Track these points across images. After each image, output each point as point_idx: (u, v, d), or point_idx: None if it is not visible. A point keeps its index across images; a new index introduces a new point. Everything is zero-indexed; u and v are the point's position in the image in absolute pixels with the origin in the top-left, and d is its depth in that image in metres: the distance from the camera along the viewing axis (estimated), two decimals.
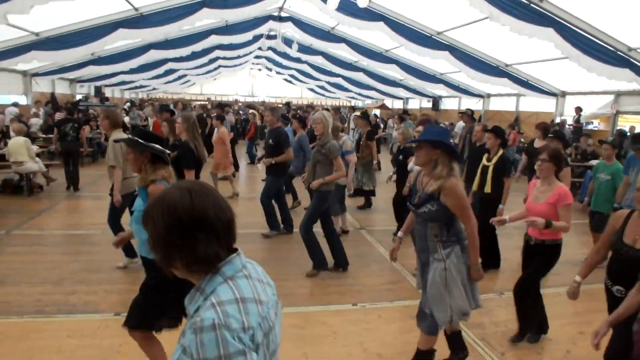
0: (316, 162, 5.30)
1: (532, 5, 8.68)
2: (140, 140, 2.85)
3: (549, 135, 6.31)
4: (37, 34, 10.96)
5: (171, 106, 13.17)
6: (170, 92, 31.74)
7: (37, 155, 9.27)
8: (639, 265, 2.59)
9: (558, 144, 5.66)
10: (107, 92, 22.59)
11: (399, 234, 3.52)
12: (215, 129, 9.59)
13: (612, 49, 9.45)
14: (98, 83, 20.29)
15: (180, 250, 1.27)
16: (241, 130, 19.76)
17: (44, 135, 11.85)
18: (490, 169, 5.57)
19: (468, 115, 9.48)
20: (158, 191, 1.80)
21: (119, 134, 5.11)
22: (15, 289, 4.67)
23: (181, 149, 5.01)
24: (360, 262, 5.84)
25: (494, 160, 5.56)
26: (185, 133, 5.20)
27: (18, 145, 8.16)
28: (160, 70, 18.90)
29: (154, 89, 27.73)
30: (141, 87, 25.33)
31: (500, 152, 5.61)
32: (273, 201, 6.89)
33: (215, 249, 1.28)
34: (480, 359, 3.66)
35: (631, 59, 9.66)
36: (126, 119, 15.37)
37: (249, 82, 35.00)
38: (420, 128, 5.41)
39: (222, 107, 12.63)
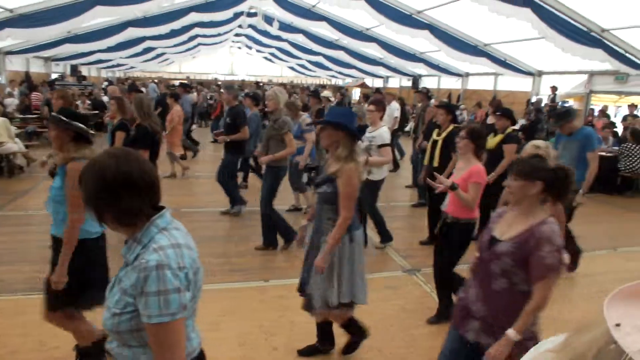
0: (269, 138, 5.39)
1: None
2: (62, 118, 2.82)
3: (496, 112, 6.29)
4: (11, 11, 10.70)
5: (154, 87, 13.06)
6: (148, 70, 31.17)
7: (16, 135, 9.18)
8: None
9: (506, 122, 5.72)
10: (84, 71, 22.10)
11: (303, 222, 3.48)
12: None
13: (586, 29, 9.72)
14: (74, 62, 19.86)
15: (108, 205, 1.50)
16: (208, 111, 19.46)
17: (20, 116, 11.66)
18: (439, 143, 5.80)
19: (423, 94, 9.69)
20: (78, 169, 1.93)
21: None
22: (7, 267, 4.75)
23: (136, 131, 5.27)
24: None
25: (443, 135, 5.80)
26: (138, 115, 5.30)
27: None
28: (139, 48, 18.59)
29: (131, 67, 27.24)
30: (118, 65, 24.90)
31: (451, 127, 5.81)
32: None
33: (138, 204, 1.51)
34: None
35: (604, 40, 9.94)
36: (105, 99, 15.16)
37: (229, 61, 34.60)
38: (371, 107, 5.43)
39: (184, 86, 12.38)
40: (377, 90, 14.62)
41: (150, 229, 1.54)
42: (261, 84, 23.77)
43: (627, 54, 10.39)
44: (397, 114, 10.10)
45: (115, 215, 1.52)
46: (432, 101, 9.79)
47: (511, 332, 2.22)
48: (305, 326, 3.82)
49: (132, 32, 14.78)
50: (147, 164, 1.59)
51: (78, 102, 14.15)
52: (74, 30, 13.59)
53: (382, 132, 5.25)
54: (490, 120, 6.95)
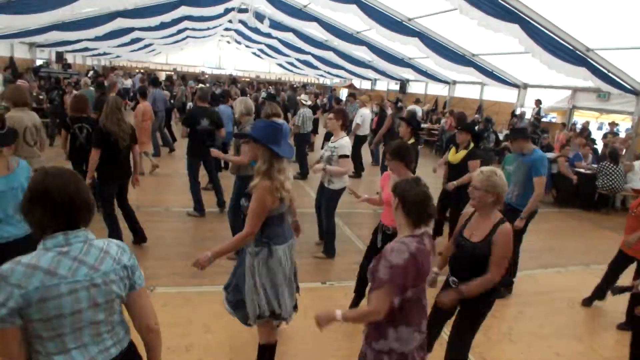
0: (237, 147, 5.48)
1: (500, 1, 9.04)
2: None
3: (458, 127, 6.38)
4: None
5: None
6: (134, 60, 30.83)
7: None
8: (473, 256, 2.93)
9: (466, 136, 5.83)
10: (69, 58, 21.80)
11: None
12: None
13: (571, 47, 9.99)
14: (59, 48, 19.58)
15: (28, 215, 1.69)
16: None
17: (5, 104, 11.46)
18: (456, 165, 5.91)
19: (394, 104, 10.04)
20: None
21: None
22: None
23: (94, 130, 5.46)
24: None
25: (461, 155, 5.91)
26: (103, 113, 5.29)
27: None
28: (127, 38, 18.37)
29: (117, 56, 26.89)
30: (104, 54, 24.54)
31: (412, 140, 6.23)
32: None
33: (45, 220, 1.67)
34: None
35: (588, 59, 10.24)
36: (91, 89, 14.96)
37: (217, 54, 34.39)
38: (330, 116, 5.69)
39: (154, 83, 11.93)
40: (338, 100, 14.87)
41: (40, 245, 1.67)
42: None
43: (609, 74, 10.72)
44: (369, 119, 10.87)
45: (30, 225, 1.71)
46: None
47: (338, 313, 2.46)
48: (295, 329, 3.94)
49: (120, 23, 14.60)
50: (74, 184, 1.72)
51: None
52: (62, 18, 13.39)
53: (343, 143, 5.42)
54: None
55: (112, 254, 1.78)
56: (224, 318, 4.09)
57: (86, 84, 12.22)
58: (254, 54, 31.51)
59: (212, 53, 34.01)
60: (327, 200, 5.64)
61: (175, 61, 33.42)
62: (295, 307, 3.40)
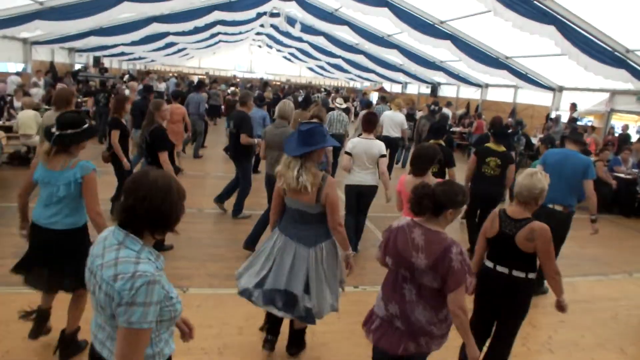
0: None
1: (535, 2, 8.85)
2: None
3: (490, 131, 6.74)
4: (41, 3, 10.93)
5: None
6: (168, 64, 31.52)
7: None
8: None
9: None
10: (106, 63, 22.46)
11: None
12: None
13: (610, 49, 9.68)
14: (97, 53, 20.20)
15: (173, 213, 1.85)
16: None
17: (47, 107, 11.89)
18: None
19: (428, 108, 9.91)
20: None
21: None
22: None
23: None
24: (360, 246, 6.14)
25: None
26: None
27: (27, 119, 8.29)
28: (161, 43, 18.84)
29: (152, 60, 27.54)
30: (140, 58, 25.17)
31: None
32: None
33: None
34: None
35: (628, 60, 9.90)
36: (126, 92, 15.37)
37: (248, 58, 34.79)
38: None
39: (148, 90, 10.83)
40: (368, 103, 14.85)
41: (144, 252, 1.81)
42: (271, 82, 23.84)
43: None
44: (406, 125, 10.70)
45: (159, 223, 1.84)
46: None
47: None
48: (324, 335, 3.93)
49: (156, 27, 14.97)
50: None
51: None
52: (100, 24, 13.82)
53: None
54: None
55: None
56: (258, 320, 4.13)
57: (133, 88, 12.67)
58: (285, 57, 31.76)
59: (243, 57, 34.44)
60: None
61: (207, 65, 34.00)
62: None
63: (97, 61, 20.49)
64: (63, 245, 3.21)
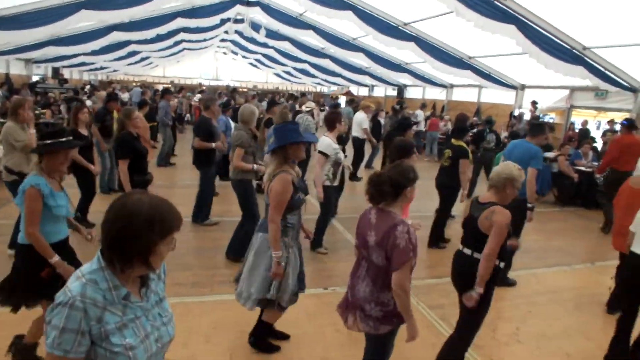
0: None
1: (496, 2, 9.03)
2: None
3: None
4: None
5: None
6: (131, 74, 30.90)
7: None
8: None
9: None
10: (66, 74, 21.83)
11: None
12: None
13: (568, 47, 9.97)
14: (56, 64, 19.57)
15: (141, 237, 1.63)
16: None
17: (2, 120, 11.45)
18: None
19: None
20: None
21: None
22: None
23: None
24: (330, 248, 6.10)
25: None
26: None
27: None
28: (123, 52, 18.38)
29: (114, 70, 26.94)
30: (101, 68, 24.57)
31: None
32: None
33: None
34: (442, 336, 3.98)
35: (585, 57, 10.22)
36: (88, 103, 14.96)
37: (214, 65, 34.45)
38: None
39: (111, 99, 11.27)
40: (336, 105, 14.96)
41: None
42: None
43: (607, 72, 10.69)
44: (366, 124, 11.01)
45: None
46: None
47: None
48: (296, 339, 3.86)
49: (117, 36, 14.61)
50: None
51: (61, 107, 14.00)
52: (58, 33, 13.41)
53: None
54: None
55: None
56: (225, 327, 4.03)
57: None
58: (251, 64, 31.57)
59: (209, 64, 34.06)
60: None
61: (172, 74, 33.46)
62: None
63: (56, 72, 19.88)
64: (16, 259, 3.10)
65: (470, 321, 3.23)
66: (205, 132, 6.51)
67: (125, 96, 19.07)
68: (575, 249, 7.07)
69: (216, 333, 3.93)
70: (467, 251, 3.22)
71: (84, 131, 6.18)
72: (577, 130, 13.12)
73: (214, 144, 6.53)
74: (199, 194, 6.84)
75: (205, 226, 6.75)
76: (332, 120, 6.05)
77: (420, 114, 16.39)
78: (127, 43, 16.94)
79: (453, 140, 6.43)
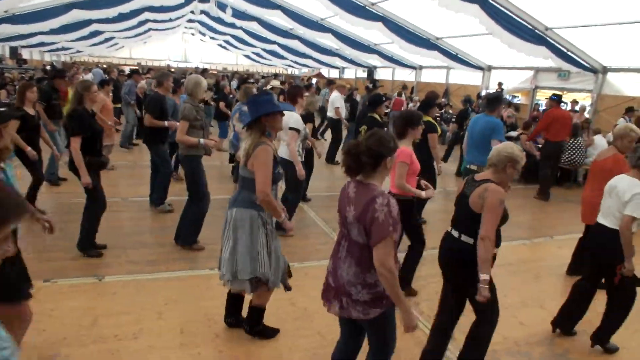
0: None
1: None
2: None
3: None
4: None
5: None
6: (96, 55, 29.95)
7: None
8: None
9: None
10: (25, 54, 20.97)
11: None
12: None
13: (531, 27, 10.08)
14: (13, 43, 18.76)
15: None
16: None
17: None
18: None
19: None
20: None
21: None
22: None
23: None
24: (295, 225, 6.04)
25: None
26: None
27: None
28: (85, 31, 17.72)
29: (78, 51, 26.03)
30: (63, 49, 23.70)
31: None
32: None
33: None
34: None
35: (547, 38, 10.35)
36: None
37: (182, 47, 33.69)
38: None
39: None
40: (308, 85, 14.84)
41: None
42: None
43: (568, 53, 10.86)
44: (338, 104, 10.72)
45: None
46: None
47: None
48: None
49: (77, 14, 14.03)
50: None
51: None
52: (12, 10, 12.80)
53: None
54: None
55: None
56: (178, 303, 3.95)
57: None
58: (220, 45, 30.99)
59: (177, 46, 33.31)
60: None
61: (139, 55, 32.58)
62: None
63: (13, 52, 19.07)
64: None
65: (490, 306, 3.00)
66: (156, 109, 6.12)
67: (88, 77, 18.43)
68: (536, 223, 7.23)
69: (168, 309, 3.84)
70: (455, 233, 3.03)
71: (31, 111, 5.81)
72: (541, 111, 13.33)
73: (166, 123, 6.17)
74: (161, 176, 6.49)
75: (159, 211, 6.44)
76: (294, 94, 5.96)
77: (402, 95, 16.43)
78: (89, 22, 16.32)
79: (424, 116, 6.36)
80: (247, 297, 3.49)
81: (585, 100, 13.20)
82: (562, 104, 8.92)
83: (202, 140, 4.95)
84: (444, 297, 3.28)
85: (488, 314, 3.08)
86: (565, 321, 3.92)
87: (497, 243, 2.99)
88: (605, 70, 11.85)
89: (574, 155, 9.26)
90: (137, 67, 27.18)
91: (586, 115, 12.35)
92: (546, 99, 10.97)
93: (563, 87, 13.40)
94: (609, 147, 4.82)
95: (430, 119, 6.22)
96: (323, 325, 3.74)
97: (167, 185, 6.49)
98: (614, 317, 3.68)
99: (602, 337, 3.74)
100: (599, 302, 3.78)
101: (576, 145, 9.25)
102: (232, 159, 7.86)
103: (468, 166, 5.74)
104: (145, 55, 32.53)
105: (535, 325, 4.09)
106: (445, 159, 10.83)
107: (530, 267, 5.39)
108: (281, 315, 3.84)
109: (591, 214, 4.88)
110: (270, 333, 3.58)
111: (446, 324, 3.23)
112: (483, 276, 2.81)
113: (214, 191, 5.42)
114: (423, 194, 4.08)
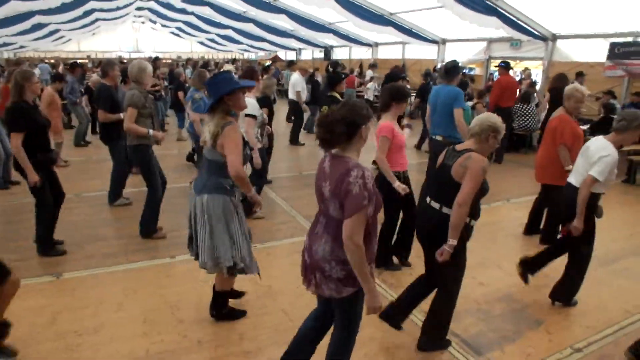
0: None
1: None
2: None
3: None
4: None
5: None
6: (42, 50, 28.60)
7: None
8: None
9: None
10: None
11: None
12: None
13: None
14: None
15: None
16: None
17: None
18: None
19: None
20: None
21: None
22: None
23: None
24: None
25: None
26: None
27: None
28: (27, 24, 16.79)
29: (21, 47, 24.75)
30: (5, 45, 22.50)
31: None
32: None
33: None
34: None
35: (498, 8, 10.51)
36: None
37: (133, 37, 32.59)
38: None
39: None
40: (266, 68, 14.66)
41: None
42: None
43: (519, 22, 11.07)
44: (299, 87, 10.53)
45: None
46: None
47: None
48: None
49: (15, 6, 13.30)
50: None
51: None
52: None
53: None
54: None
55: None
56: (139, 294, 3.88)
57: None
58: (173, 33, 30.14)
59: (127, 36, 32.18)
60: None
61: (88, 48, 31.29)
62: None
63: None
64: None
65: (452, 276, 3.10)
66: (107, 102, 5.79)
67: (36, 72, 17.61)
68: (494, 189, 7.34)
69: (129, 300, 3.77)
70: (436, 205, 3.01)
71: None
72: (495, 80, 13.59)
73: (121, 115, 5.63)
74: (114, 172, 6.19)
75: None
76: (250, 76, 5.81)
77: (370, 74, 16.39)
78: (30, 14, 15.51)
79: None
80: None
81: (537, 68, 13.55)
82: (510, 70, 9.23)
83: (151, 132, 4.78)
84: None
85: (449, 283, 3.14)
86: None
87: (477, 215, 3.02)
88: (555, 37, 12.15)
89: (527, 121, 9.52)
90: (86, 61, 26.27)
91: (534, 80, 12.67)
92: (495, 67, 11.22)
93: (516, 57, 13.69)
94: (559, 108, 4.98)
95: None
96: (287, 303, 3.77)
97: (121, 181, 6.22)
98: (573, 275, 3.81)
99: (563, 293, 3.88)
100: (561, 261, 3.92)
101: (528, 111, 9.51)
102: (194, 150, 7.63)
103: (434, 137, 5.76)
104: (94, 47, 31.28)
105: (494, 284, 4.23)
106: None
107: (488, 230, 5.53)
108: (245, 295, 3.83)
109: (542, 173, 5.10)
110: (237, 315, 3.56)
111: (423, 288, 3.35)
112: (451, 241, 2.87)
113: (170, 180, 5.32)
114: (397, 184, 4.04)
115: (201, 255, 3.19)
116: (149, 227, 5.02)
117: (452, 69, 5.88)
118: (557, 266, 3.94)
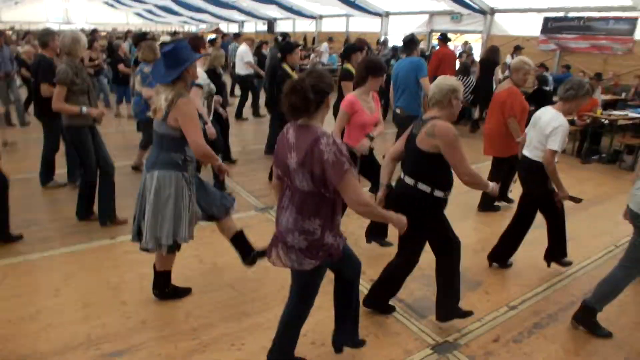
0: None
1: None
2: None
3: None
4: None
5: None
6: None
7: None
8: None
9: None
10: None
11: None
12: None
13: None
14: None
15: None
16: None
17: None
18: None
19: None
20: None
21: None
22: None
23: None
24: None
25: None
26: None
27: None
28: None
29: None
30: None
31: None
32: None
33: None
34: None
35: None
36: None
37: (63, 7, 30.48)
38: None
39: None
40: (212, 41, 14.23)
41: None
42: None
43: None
44: (249, 58, 10.20)
45: None
46: None
47: None
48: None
49: None
50: None
51: None
52: None
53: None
54: None
55: None
56: (77, 278, 3.72)
57: None
58: (107, 3, 28.54)
59: (56, 6, 30.05)
60: None
61: (10, 18, 28.94)
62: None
63: None
64: None
65: (443, 244, 3.13)
66: (51, 74, 5.02)
67: None
68: None
69: (67, 285, 3.59)
70: (409, 181, 2.92)
71: None
72: None
73: None
74: (46, 151, 5.75)
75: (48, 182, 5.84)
76: (195, 46, 5.49)
77: (325, 46, 16.12)
78: None
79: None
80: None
81: (477, 42, 13.91)
82: (449, 42, 9.43)
83: (84, 109, 4.35)
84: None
85: (449, 250, 3.16)
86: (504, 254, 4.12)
87: (450, 185, 2.94)
88: (493, 11, 12.50)
89: (466, 93, 9.79)
90: (9, 32, 24.34)
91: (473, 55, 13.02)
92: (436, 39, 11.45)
93: (456, 30, 14.01)
94: (507, 80, 5.12)
95: (348, 65, 5.81)
96: (234, 278, 3.74)
97: (51, 160, 5.80)
98: (557, 234, 3.98)
99: (555, 254, 4.06)
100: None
101: (467, 83, 9.76)
102: (139, 127, 7.20)
103: (396, 110, 5.90)
104: (18, 17, 28.92)
105: None
106: None
107: None
108: (189, 274, 3.76)
109: (490, 146, 5.26)
110: (181, 293, 3.49)
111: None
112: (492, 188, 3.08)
113: (115, 158, 5.07)
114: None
115: (145, 234, 3.09)
116: (106, 214, 4.71)
117: (410, 42, 6.00)
118: (495, 231, 4.12)
